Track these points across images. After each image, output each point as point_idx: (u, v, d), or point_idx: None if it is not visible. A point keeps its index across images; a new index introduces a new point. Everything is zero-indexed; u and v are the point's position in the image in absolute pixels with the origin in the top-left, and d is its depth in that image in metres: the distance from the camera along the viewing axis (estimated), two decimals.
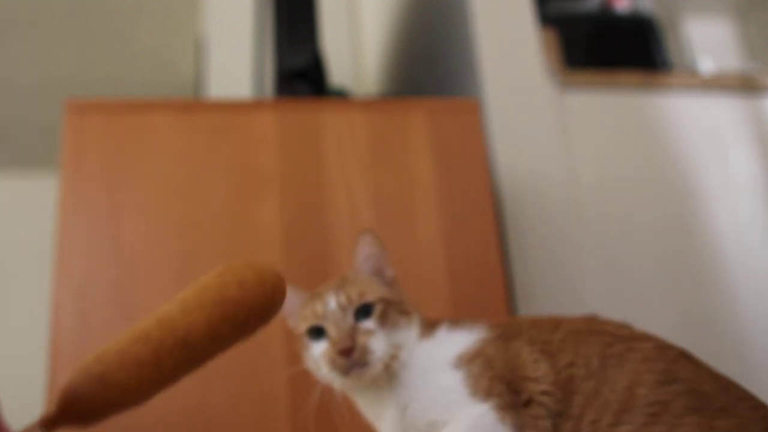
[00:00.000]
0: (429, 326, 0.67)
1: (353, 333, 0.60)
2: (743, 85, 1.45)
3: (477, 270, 1.07)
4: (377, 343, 0.61)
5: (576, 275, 1.20)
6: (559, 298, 1.17)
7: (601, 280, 1.22)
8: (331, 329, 0.61)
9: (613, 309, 1.20)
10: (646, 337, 0.61)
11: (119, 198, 1.01)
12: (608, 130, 1.35)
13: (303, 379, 0.96)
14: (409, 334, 0.64)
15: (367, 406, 0.66)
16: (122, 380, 0.30)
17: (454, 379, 0.61)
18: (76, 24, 2.73)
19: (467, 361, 0.62)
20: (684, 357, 0.59)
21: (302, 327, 0.64)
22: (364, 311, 0.62)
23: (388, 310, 0.63)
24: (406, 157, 1.12)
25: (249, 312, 0.36)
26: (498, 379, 0.59)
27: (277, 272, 0.38)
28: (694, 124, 1.39)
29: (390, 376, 0.62)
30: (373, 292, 0.64)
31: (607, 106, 1.36)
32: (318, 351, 0.62)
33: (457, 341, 0.65)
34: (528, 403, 0.58)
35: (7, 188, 3.62)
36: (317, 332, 0.62)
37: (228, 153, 1.06)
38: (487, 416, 0.56)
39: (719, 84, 1.44)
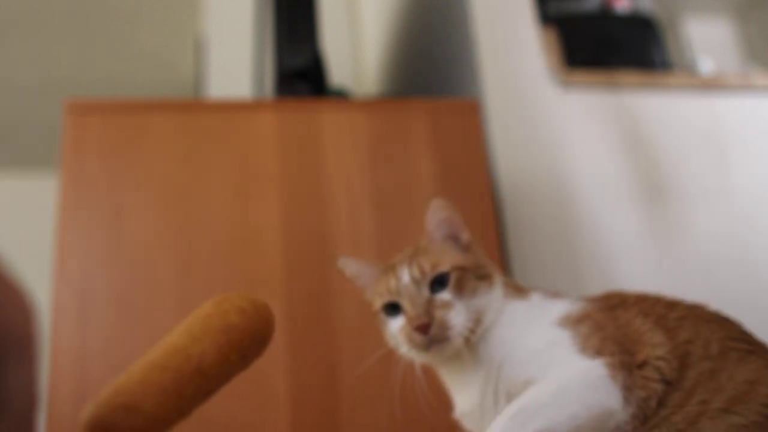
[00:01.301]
0: (519, 289, 0.64)
1: (430, 307, 0.57)
2: (743, 85, 1.45)
3: None
4: (456, 315, 0.57)
5: (576, 274, 1.20)
6: None
7: (601, 281, 1.22)
8: (407, 304, 0.58)
9: None
10: (767, 347, 0.58)
11: (119, 198, 1.01)
12: (608, 130, 1.34)
13: (303, 379, 0.96)
14: (490, 297, 0.61)
15: (450, 376, 0.62)
16: (149, 409, 0.30)
17: (559, 336, 0.58)
18: (76, 24, 2.73)
19: (574, 321, 0.59)
20: None
21: (378, 303, 0.61)
22: (439, 282, 0.59)
23: (464, 277, 0.60)
24: (406, 157, 1.12)
25: (251, 338, 0.36)
26: (610, 340, 0.56)
27: (265, 303, 0.39)
28: (694, 124, 1.39)
29: (473, 344, 0.59)
30: (447, 261, 0.60)
31: (607, 106, 1.36)
32: (395, 327, 0.59)
33: (557, 305, 0.62)
34: (642, 365, 0.55)
35: (7, 188, 3.62)
36: (393, 308, 0.60)
37: (228, 153, 1.06)
38: (598, 370, 0.53)
39: (719, 84, 1.44)
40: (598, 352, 0.55)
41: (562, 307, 0.61)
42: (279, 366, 0.95)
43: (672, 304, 0.61)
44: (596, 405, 0.52)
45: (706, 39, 2.20)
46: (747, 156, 1.39)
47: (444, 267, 0.60)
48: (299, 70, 1.17)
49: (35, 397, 0.25)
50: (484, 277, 0.62)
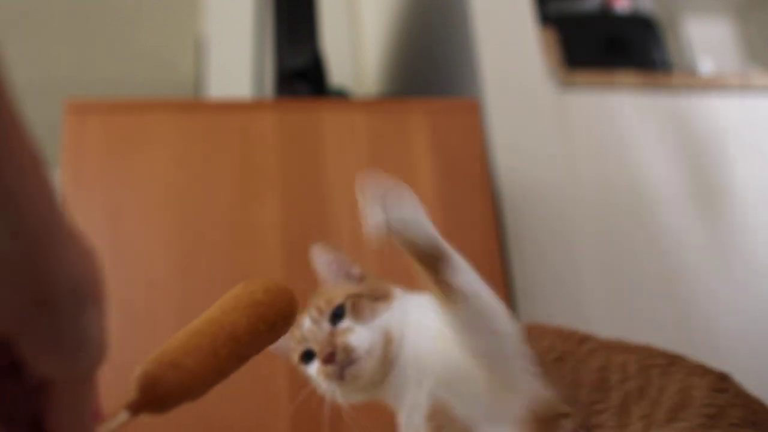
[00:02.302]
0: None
1: (331, 338, 0.59)
2: (743, 85, 1.45)
3: (477, 270, 1.07)
4: (356, 337, 0.59)
5: (576, 275, 1.20)
6: (558, 298, 1.17)
7: (600, 280, 1.22)
8: (314, 345, 0.60)
9: (612, 309, 1.20)
10: (684, 357, 0.60)
11: (119, 198, 1.01)
12: (608, 130, 1.34)
13: (304, 379, 0.96)
14: (392, 313, 0.62)
15: (396, 397, 0.63)
16: (190, 366, 0.34)
17: None
18: (76, 24, 2.73)
19: None
20: (729, 377, 0.58)
21: (295, 357, 0.63)
22: (337, 315, 0.61)
23: (359, 302, 0.62)
24: (406, 157, 1.12)
25: (276, 313, 0.39)
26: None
27: (287, 286, 0.43)
28: (694, 124, 1.39)
29: (391, 361, 0.60)
30: (340, 294, 0.62)
31: (607, 106, 1.36)
32: (313, 371, 0.61)
33: None
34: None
35: None
36: (309, 355, 0.61)
37: (228, 153, 1.06)
38: (516, 328, 0.56)
39: (719, 84, 1.44)
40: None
41: None
42: (279, 366, 0.95)
43: (583, 339, 0.62)
44: (501, 334, 0.56)
45: (706, 39, 2.20)
46: (747, 156, 1.39)
47: (338, 299, 0.61)
48: (299, 70, 1.17)
49: (105, 349, 0.26)
50: (381, 297, 0.63)
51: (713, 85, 1.44)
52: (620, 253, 1.26)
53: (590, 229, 1.25)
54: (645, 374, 0.57)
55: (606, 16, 1.72)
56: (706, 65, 2.01)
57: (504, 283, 1.08)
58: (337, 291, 0.63)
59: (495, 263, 1.09)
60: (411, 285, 1.06)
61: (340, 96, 1.58)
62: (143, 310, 0.96)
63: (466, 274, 0.54)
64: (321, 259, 0.66)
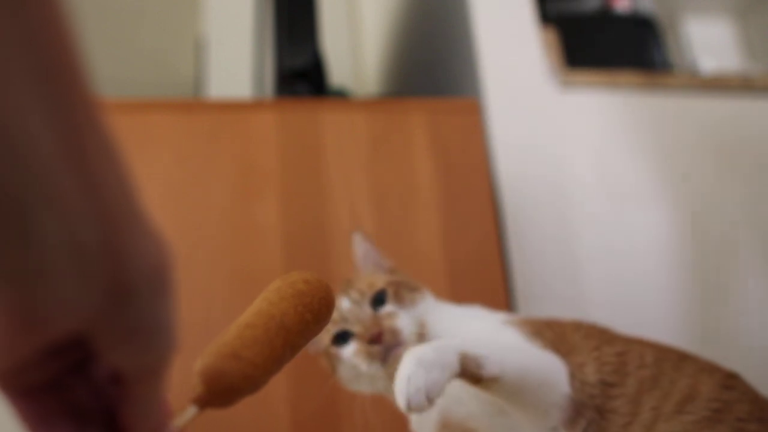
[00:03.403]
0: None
1: (377, 319, 0.60)
2: (743, 85, 1.45)
3: (477, 270, 1.07)
4: (402, 321, 0.61)
5: (576, 274, 1.20)
6: (559, 297, 1.17)
7: (601, 280, 1.22)
8: (355, 326, 0.61)
9: (612, 309, 1.20)
10: (696, 355, 0.62)
11: None
12: (608, 130, 1.34)
13: (303, 378, 0.96)
14: (426, 305, 0.65)
15: None
16: (251, 357, 0.34)
17: (504, 329, 0.61)
18: (75, 24, 2.73)
19: (516, 323, 0.62)
20: (737, 376, 0.59)
21: (325, 339, 0.63)
22: (378, 300, 0.62)
23: (399, 290, 0.64)
24: (406, 157, 1.12)
25: (319, 302, 0.40)
26: (552, 344, 0.60)
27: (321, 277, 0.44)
28: (694, 124, 1.39)
29: None
30: (380, 281, 0.64)
31: (607, 106, 1.36)
32: (349, 353, 0.61)
33: (495, 313, 0.66)
34: (577, 366, 0.59)
35: None
36: (342, 337, 0.62)
37: (228, 153, 1.06)
38: (559, 362, 0.57)
39: (719, 84, 1.44)
40: (544, 348, 0.59)
41: (501, 315, 0.66)
42: None
43: (604, 329, 0.65)
44: (547, 369, 0.55)
45: (706, 39, 2.20)
46: (747, 156, 1.39)
47: (379, 284, 0.64)
48: (299, 70, 1.17)
49: (177, 339, 0.26)
50: (415, 289, 0.66)
51: (713, 85, 1.44)
52: (621, 254, 1.25)
53: (590, 229, 1.25)
54: (659, 365, 0.58)
55: (606, 16, 1.72)
56: (706, 65, 2.01)
57: (504, 283, 1.08)
58: (376, 277, 0.65)
59: (495, 263, 1.09)
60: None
61: (340, 96, 1.58)
62: None
63: (499, 363, 0.53)
64: (360, 247, 0.69)
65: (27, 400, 0.25)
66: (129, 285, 0.22)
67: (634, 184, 1.31)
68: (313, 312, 0.39)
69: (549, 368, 0.56)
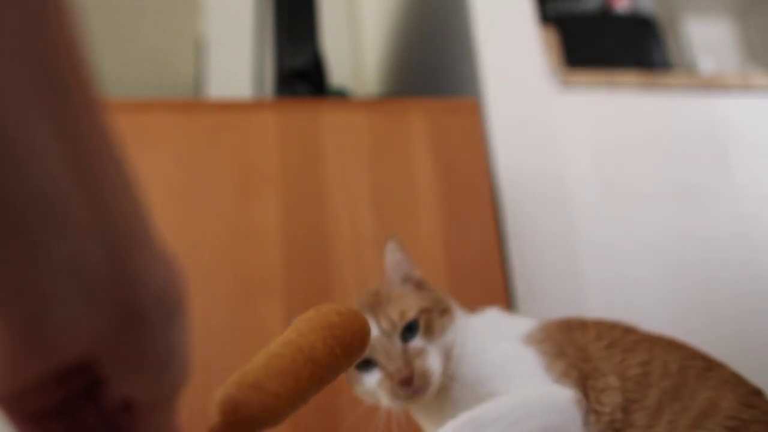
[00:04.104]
0: (470, 310, 0.66)
1: (407, 358, 0.57)
2: (743, 85, 1.45)
3: (477, 270, 1.07)
4: (433, 361, 0.58)
5: (576, 274, 1.20)
6: (559, 297, 1.17)
7: (601, 280, 1.22)
8: (382, 358, 0.57)
9: (613, 308, 1.20)
10: (723, 364, 0.60)
11: None
12: (608, 129, 1.34)
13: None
14: (455, 327, 0.62)
15: (425, 412, 0.62)
16: (273, 388, 0.33)
17: (524, 353, 0.59)
18: (82, 31, 2.73)
19: (538, 341, 0.60)
20: (761, 393, 0.58)
21: None
22: (409, 329, 0.59)
23: (431, 319, 0.60)
24: (406, 157, 1.12)
25: (352, 336, 0.38)
26: (573, 366, 0.57)
27: (357, 309, 0.43)
28: (694, 124, 1.39)
29: (446, 379, 0.59)
30: (412, 306, 0.60)
31: (607, 106, 1.36)
32: (371, 382, 0.58)
33: (517, 322, 0.64)
34: (599, 392, 0.57)
35: None
36: (367, 363, 0.59)
37: (228, 153, 1.06)
38: (566, 395, 0.54)
39: (719, 84, 1.44)
40: (564, 375, 0.56)
41: (523, 324, 0.63)
42: None
43: (628, 330, 0.63)
44: (556, 427, 0.53)
45: (706, 39, 2.20)
46: (747, 156, 1.39)
47: (411, 313, 0.59)
48: (299, 70, 1.17)
49: (189, 366, 0.25)
50: (445, 311, 0.62)
51: (713, 85, 1.44)
52: (621, 254, 1.25)
53: (590, 229, 1.25)
54: (683, 374, 0.57)
55: (606, 16, 1.72)
56: (706, 65, 2.01)
57: (504, 282, 1.08)
58: (407, 301, 0.61)
59: (495, 263, 1.09)
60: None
61: (340, 96, 1.58)
62: None
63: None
64: (393, 256, 0.64)
65: (33, 425, 0.24)
66: (139, 309, 0.21)
67: (634, 183, 1.31)
68: (343, 346, 0.38)
69: (562, 418, 0.53)
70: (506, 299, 1.07)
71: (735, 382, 0.57)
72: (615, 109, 1.36)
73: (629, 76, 1.39)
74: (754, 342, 1.23)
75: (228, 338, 0.95)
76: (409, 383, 0.56)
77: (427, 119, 1.15)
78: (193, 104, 1.13)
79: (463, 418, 0.51)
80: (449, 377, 0.60)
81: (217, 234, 1.01)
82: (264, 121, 1.09)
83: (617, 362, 0.58)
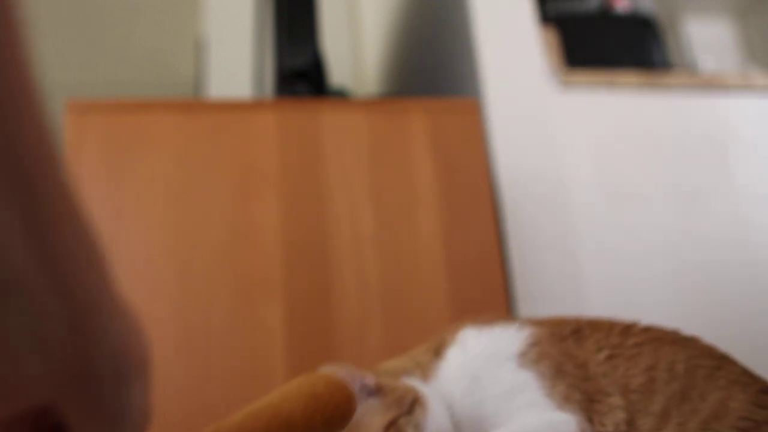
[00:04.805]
0: (441, 346, 0.60)
1: None
2: (743, 85, 1.45)
3: (477, 270, 1.07)
4: None
5: (576, 275, 1.20)
6: (559, 298, 1.17)
7: (601, 280, 1.22)
8: None
9: (613, 309, 1.20)
10: (733, 360, 0.58)
11: (119, 198, 1.01)
12: (608, 129, 1.34)
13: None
14: (424, 410, 0.56)
15: None
16: None
17: (522, 379, 0.56)
18: (75, 24, 2.73)
19: (533, 361, 0.57)
20: None
21: None
22: None
23: (400, 428, 0.54)
24: (406, 157, 1.12)
25: (334, 408, 0.39)
26: (574, 388, 0.56)
27: (347, 384, 0.44)
28: (694, 124, 1.39)
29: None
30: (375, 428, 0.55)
31: (607, 106, 1.36)
32: None
33: (497, 338, 0.59)
34: (604, 414, 0.55)
35: None
36: None
37: (228, 153, 1.06)
38: (570, 424, 0.53)
39: (719, 84, 1.44)
40: (566, 399, 0.54)
41: (508, 339, 0.59)
42: (279, 366, 0.95)
43: (627, 329, 0.60)
44: None
45: (706, 39, 2.20)
46: (747, 156, 1.39)
47: None
48: (299, 70, 1.17)
49: (149, 417, 0.26)
50: (413, 404, 0.56)
51: (713, 84, 1.44)
52: (621, 254, 1.26)
53: (590, 229, 1.25)
54: (691, 374, 0.55)
55: (606, 16, 1.72)
56: (706, 65, 2.01)
57: (504, 283, 1.08)
58: (372, 427, 0.54)
59: (495, 263, 1.09)
60: (415, 284, 1.05)
61: (340, 96, 1.58)
62: (142, 310, 0.96)
63: None
64: (342, 374, 0.59)
65: None
66: (92, 369, 0.22)
67: (634, 184, 1.31)
68: (324, 417, 0.38)
69: None
70: (506, 299, 1.07)
71: (745, 381, 0.56)
72: (615, 109, 1.36)
73: (629, 76, 1.39)
74: (755, 342, 1.23)
75: (228, 338, 0.95)
76: None
77: (427, 119, 1.15)
78: (193, 104, 1.13)
79: None
80: (454, 426, 0.57)
81: (217, 234, 1.01)
82: (264, 121, 1.09)
83: (620, 375, 0.56)
